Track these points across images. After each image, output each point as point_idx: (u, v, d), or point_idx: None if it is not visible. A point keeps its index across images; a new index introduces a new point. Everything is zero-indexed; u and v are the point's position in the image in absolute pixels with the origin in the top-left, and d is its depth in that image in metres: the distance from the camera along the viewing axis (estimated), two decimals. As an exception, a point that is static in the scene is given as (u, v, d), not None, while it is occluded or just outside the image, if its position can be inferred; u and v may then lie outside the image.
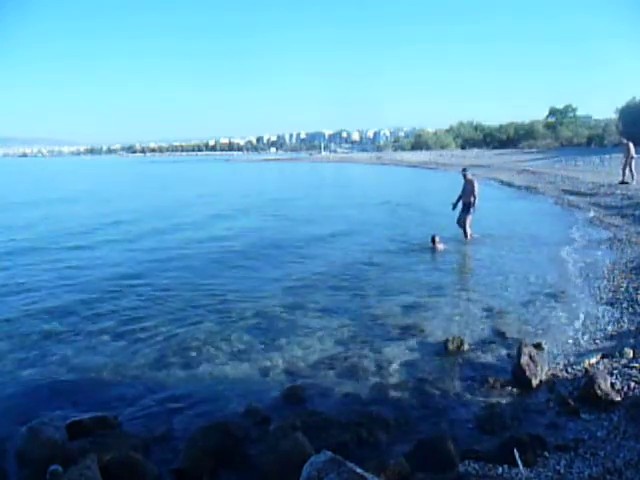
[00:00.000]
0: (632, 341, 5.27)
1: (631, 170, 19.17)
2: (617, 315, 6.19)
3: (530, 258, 9.65)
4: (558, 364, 4.98)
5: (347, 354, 5.45)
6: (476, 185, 11.04)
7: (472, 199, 11.03)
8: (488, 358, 5.26)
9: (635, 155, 19.18)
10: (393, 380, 4.85)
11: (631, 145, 19.42)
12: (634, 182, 18.70)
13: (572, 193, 19.06)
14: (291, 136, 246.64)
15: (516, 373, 4.62)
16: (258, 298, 7.49)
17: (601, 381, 4.14)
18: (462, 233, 11.37)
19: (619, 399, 4.02)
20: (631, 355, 4.88)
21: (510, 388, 4.55)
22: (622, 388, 4.22)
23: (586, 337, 5.63)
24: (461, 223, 11.44)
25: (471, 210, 11.16)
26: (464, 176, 11.33)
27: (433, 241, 10.72)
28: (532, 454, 3.36)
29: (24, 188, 33.87)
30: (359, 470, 2.66)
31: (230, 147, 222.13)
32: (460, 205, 11.47)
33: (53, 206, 20.81)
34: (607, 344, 5.37)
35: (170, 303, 7.35)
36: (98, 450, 3.39)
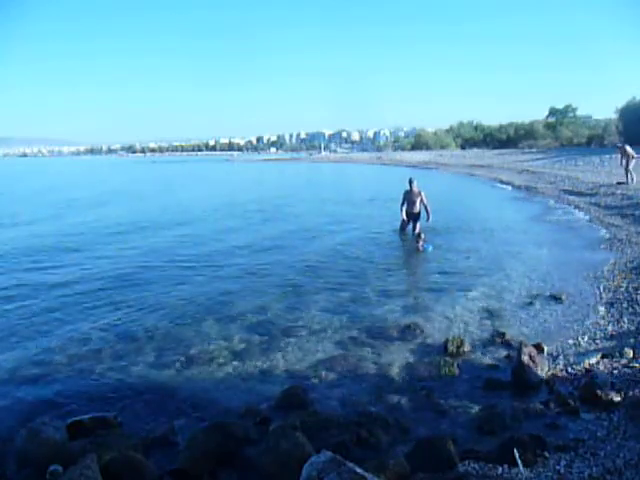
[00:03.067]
0: (632, 341, 5.27)
1: (630, 171, 19.15)
2: (617, 315, 6.18)
3: (529, 258, 9.65)
4: (558, 364, 4.98)
5: (347, 354, 5.46)
6: (423, 195, 11.58)
7: (422, 207, 11.62)
8: (488, 358, 5.26)
9: (636, 155, 19.17)
10: (393, 380, 4.85)
11: (627, 147, 19.42)
12: (634, 182, 18.70)
13: (572, 193, 19.07)
14: (291, 136, 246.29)
15: (516, 373, 4.62)
16: (258, 298, 7.49)
17: (601, 381, 4.15)
18: (415, 241, 11.15)
19: (619, 399, 4.02)
20: (631, 355, 4.89)
21: (510, 388, 4.55)
22: (622, 388, 4.22)
23: (586, 337, 5.62)
24: (414, 233, 11.55)
25: (419, 219, 11.69)
26: (411, 188, 11.64)
27: (418, 239, 10.73)
28: (532, 454, 3.35)
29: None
30: (359, 470, 2.66)
31: (230, 147, 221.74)
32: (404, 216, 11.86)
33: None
34: (607, 344, 5.37)
35: (170, 303, 7.35)
36: (98, 450, 3.39)
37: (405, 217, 11.74)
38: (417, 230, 11.54)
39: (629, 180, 18.96)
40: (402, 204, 11.71)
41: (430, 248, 10.47)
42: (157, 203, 22.20)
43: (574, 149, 44.38)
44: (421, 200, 11.56)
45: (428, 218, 11.69)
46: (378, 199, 20.28)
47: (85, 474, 2.96)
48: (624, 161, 19.32)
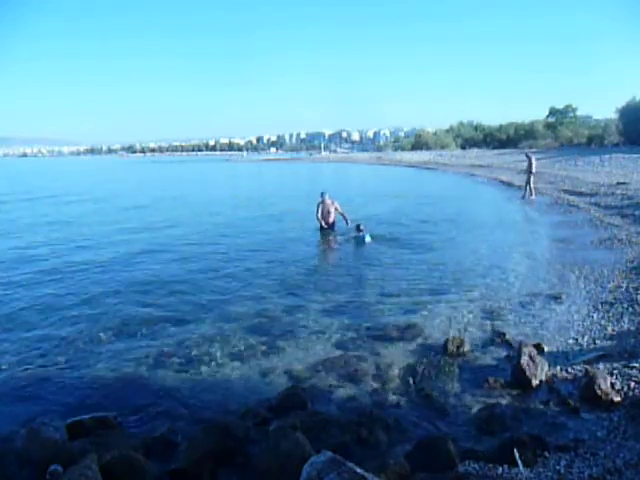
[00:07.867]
0: (632, 341, 5.27)
1: (530, 185, 19.07)
2: (617, 315, 6.18)
3: (529, 258, 9.64)
4: (558, 364, 4.98)
5: (347, 355, 5.45)
6: (337, 204, 12.36)
7: (337, 216, 12.32)
8: (488, 358, 5.26)
9: (534, 170, 19.12)
10: (393, 380, 4.85)
11: (533, 159, 19.31)
12: (533, 197, 18.74)
13: (572, 193, 19.05)
14: (291, 136, 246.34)
15: (516, 373, 4.62)
16: (258, 299, 7.49)
17: (601, 381, 4.14)
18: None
19: (619, 399, 4.02)
20: (631, 355, 4.88)
21: (510, 388, 4.54)
22: (622, 388, 4.22)
23: (586, 337, 5.62)
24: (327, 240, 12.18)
25: (335, 226, 12.43)
26: (323, 200, 12.26)
27: (358, 229, 10.98)
28: (532, 454, 3.36)
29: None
30: (359, 470, 2.66)
31: (230, 147, 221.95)
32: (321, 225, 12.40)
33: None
34: (607, 344, 5.36)
35: (170, 303, 7.36)
36: (98, 450, 3.39)
37: (323, 224, 12.43)
38: (333, 235, 12.33)
39: (527, 194, 18.92)
40: (316, 214, 12.45)
41: (367, 237, 10.79)
42: (154, 205, 22.18)
43: (574, 149, 44.29)
44: (335, 209, 12.37)
45: (347, 223, 12.40)
46: (377, 197, 20.37)
47: (85, 474, 2.96)
48: (530, 175, 19.05)
